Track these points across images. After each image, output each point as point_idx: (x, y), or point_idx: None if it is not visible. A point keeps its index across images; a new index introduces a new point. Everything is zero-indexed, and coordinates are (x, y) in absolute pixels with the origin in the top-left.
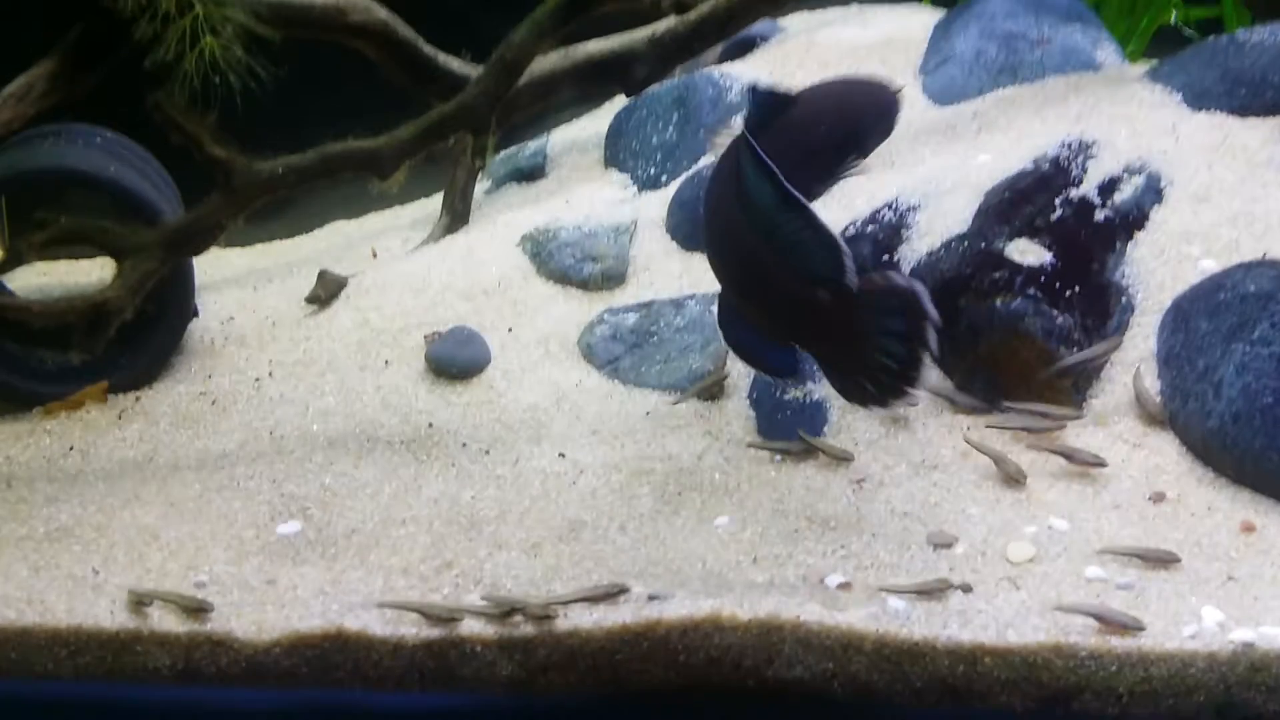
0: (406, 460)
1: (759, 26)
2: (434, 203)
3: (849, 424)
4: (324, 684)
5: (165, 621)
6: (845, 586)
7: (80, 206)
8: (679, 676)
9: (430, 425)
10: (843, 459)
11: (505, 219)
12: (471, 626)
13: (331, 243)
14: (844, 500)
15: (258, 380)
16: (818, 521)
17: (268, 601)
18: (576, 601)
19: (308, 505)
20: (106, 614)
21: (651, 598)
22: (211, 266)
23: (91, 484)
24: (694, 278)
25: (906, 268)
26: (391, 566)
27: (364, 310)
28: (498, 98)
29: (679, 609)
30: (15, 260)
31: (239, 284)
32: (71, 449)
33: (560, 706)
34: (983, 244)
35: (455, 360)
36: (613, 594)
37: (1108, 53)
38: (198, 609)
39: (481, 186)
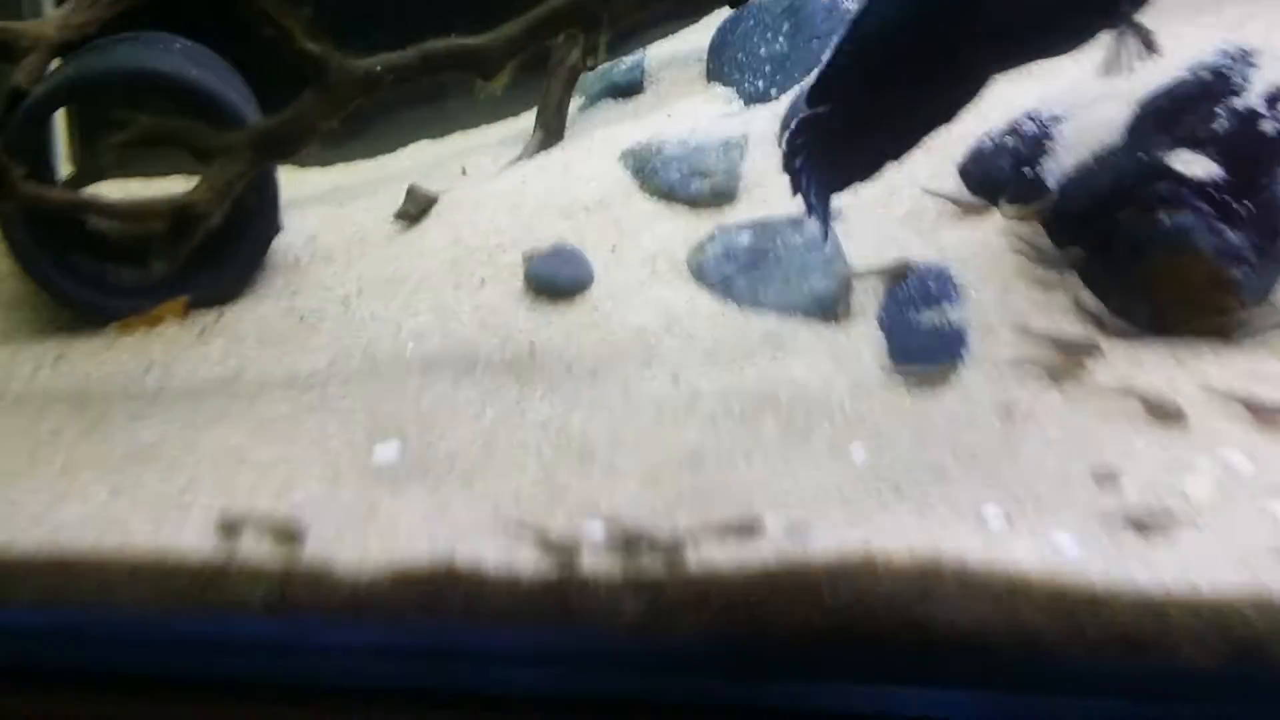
0: (508, 383)
1: None
2: (522, 122)
3: (993, 349)
4: (431, 621)
5: (259, 549)
6: (1005, 523)
7: (160, 113)
8: (822, 620)
9: (532, 346)
10: None
11: (603, 135)
12: (594, 561)
13: (417, 161)
14: (992, 431)
15: (346, 298)
16: (964, 453)
17: (370, 530)
18: (709, 536)
19: (405, 427)
20: (195, 539)
21: (791, 533)
22: (291, 184)
23: (174, 402)
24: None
25: (1051, 182)
26: (500, 494)
27: (457, 227)
28: None
29: (824, 545)
30: (95, 172)
31: (322, 201)
32: (151, 366)
33: (687, 651)
34: (1142, 155)
35: (557, 279)
36: (748, 528)
37: None
38: (293, 535)
39: (575, 104)
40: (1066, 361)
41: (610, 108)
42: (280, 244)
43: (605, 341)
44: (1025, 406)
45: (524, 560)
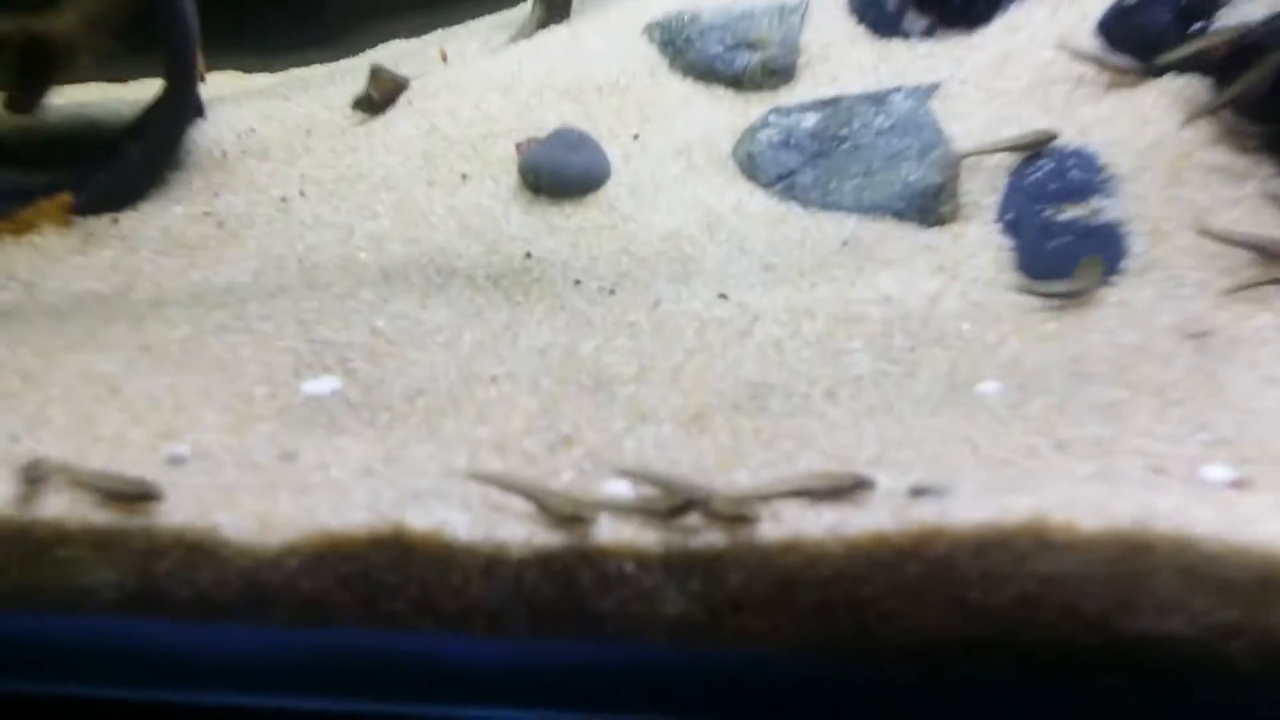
0: (495, 300)
1: None
2: (516, 13)
3: (1164, 256)
4: (371, 620)
5: (101, 514)
6: (1239, 486)
7: None
8: (969, 624)
9: (528, 256)
10: None
11: (624, 8)
12: (616, 531)
13: (388, 54)
14: (1182, 361)
15: (284, 200)
16: (1148, 390)
17: (281, 485)
18: (788, 499)
19: (350, 357)
20: (12, 500)
21: (917, 493)
22: (232, 86)
23: (31, 321)
24: (894, 69)
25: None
26: (479, 440)
27: (432, 115)
28: None
29: (968, 514)
30: None
31: (265, 95)
32: (11, 279)
33: (757, 667)
34: None
35: (562, 170)
36: (847, 487)
37: None
38: (137, 495)
39: None
40: (1270, 271)
41: None
42: (204, 139)
43: (627, 251)
44: (1226, 329)
45: (512, 531)
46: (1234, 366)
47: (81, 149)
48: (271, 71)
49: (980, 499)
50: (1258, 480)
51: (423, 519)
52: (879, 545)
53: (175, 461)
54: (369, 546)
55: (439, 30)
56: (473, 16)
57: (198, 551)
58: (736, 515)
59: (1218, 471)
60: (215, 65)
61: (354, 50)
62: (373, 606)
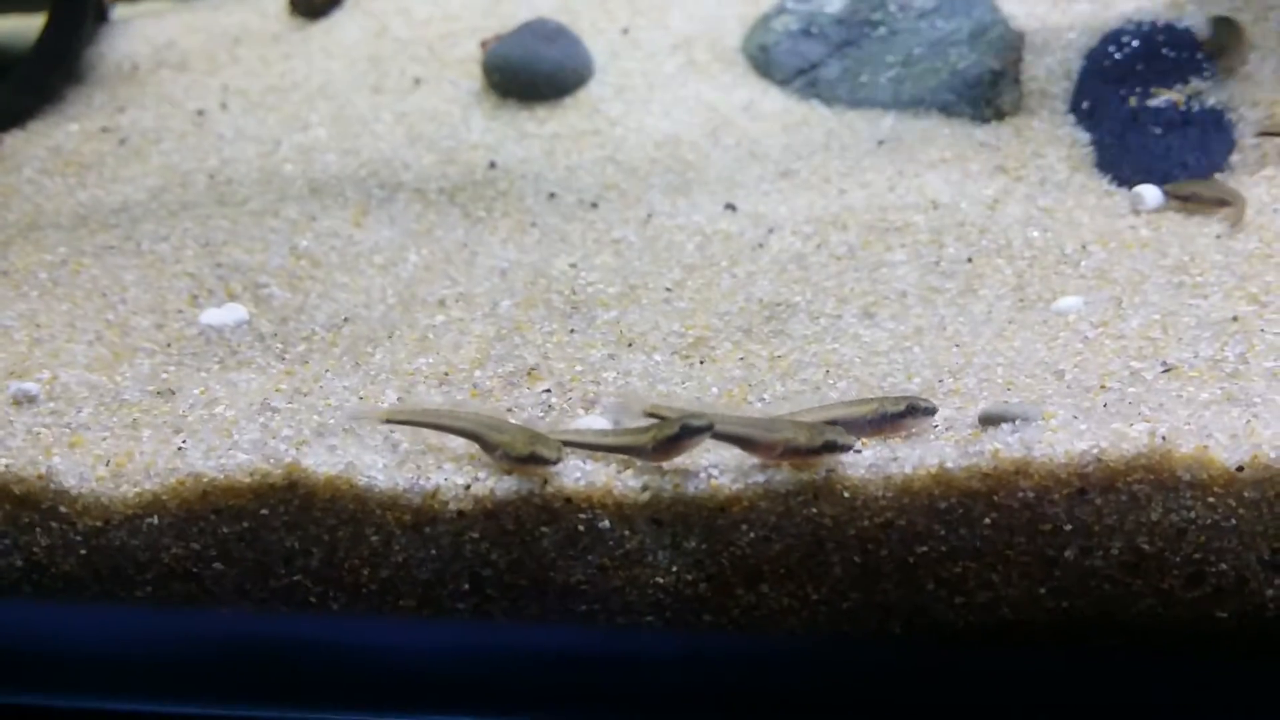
0: (449, 216)
1: None
2: None
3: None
4: (257, 595)
5: None
6: None
7: None
8: (1062, 594)
9: (492, 166)
10: None
11: None
12: (588, 476)
13: None
14: None
15: (201, 113)
16: (1277, 303)
17: (147, 425)
18: (827, 424)
19: (264, 282)
20: None
21: (989, 421)
22: (154, 11)
23: None
24: None
25: None
26: (416, 372)
27: (381, 16)
28: None
29: (1068, 443)
30: None
31: (193, 7)
32: None
33: (780, 660)
34: None
35: (534, 65)
36: (899, 414)
37: None
38: None
39: None
40: None
41: None
42: (113, 52)
43: (612, 159)
44: None
45: (448, 477)
46: None
47: None
48: None
49: (1075, 428)
50: None
51: (326, 461)
52: (940, 487)
53: (20, 400)
54: (254, 498)
55: None
56: None
57: (27, 508)
58: (810, 444)
59: None
60: None
61: None
62: (262, 579)
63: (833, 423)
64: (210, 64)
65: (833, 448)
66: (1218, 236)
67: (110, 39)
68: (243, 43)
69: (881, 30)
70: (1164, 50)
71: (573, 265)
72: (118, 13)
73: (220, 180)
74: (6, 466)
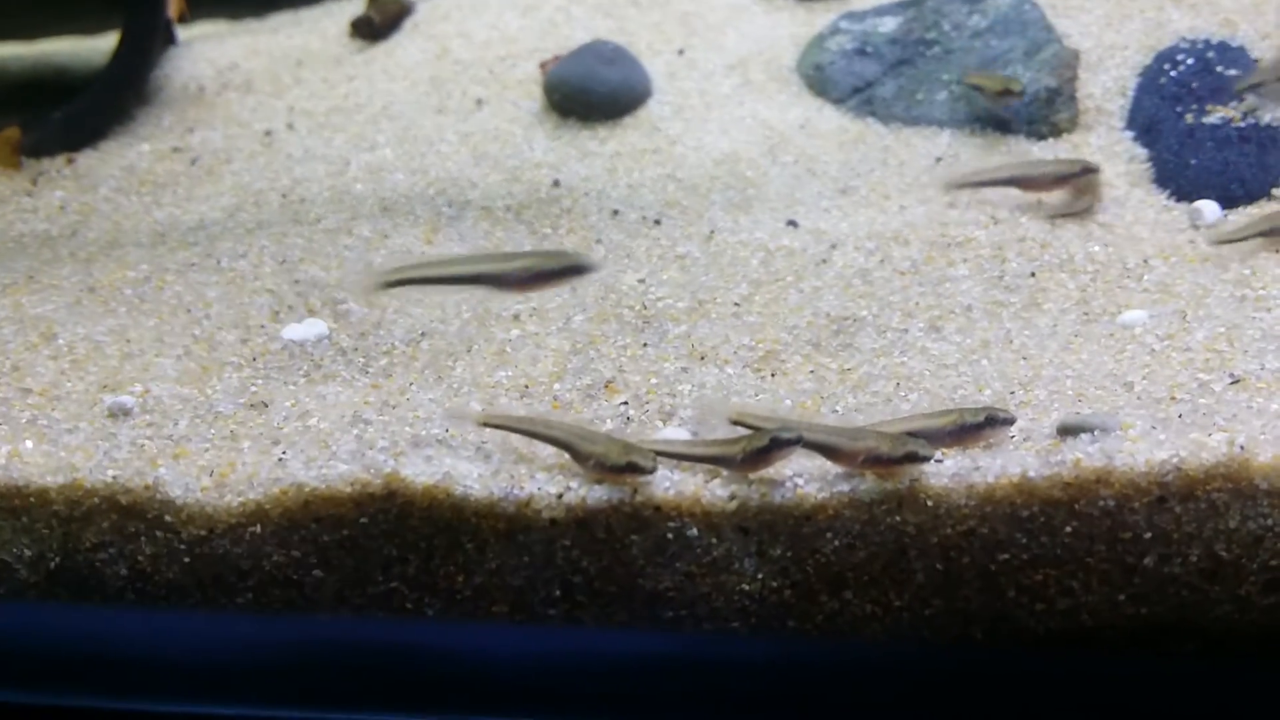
0: (516, 233)
1: None
2: None
3: None
4: (355, 601)
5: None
6: None
7: None
8: (1142, 601)
9: (556, 184)
10: None
11: None
12: (677, 485)
13: None
14: None
15: (269, 134)
16: None
17: (246, 437)
18: (904, 434)
19: (341, 298)
20: None
21: (1067, 432)
22: (219, 29)
23: None
24: None
25: None
26: (497, 385)
27: (442, 38)
28: None
29: (1148, 452)
30: None
31: (253, 31)
32: None
33: (864, 665)
34: None
35: (594, 87)
36: (978, 424)
37: None
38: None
39: None
40: None
41: None
42: (180, 74)
43: (673, 176)
44: None
45: (541, 486)
46: None
47: (45, 94)
48: (263, 16)
49: (1154, 438)
50: None
51: (424, 471)
52: (1022, 496)
53: (117, 413)
54: (355, 507)
55: None
56: None
57: (133, 517)
58: (899, 456)
59: None
60: (205, 16)
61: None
62: (362, 585)
63: (914, 434)
64: (274, 85)
65: (914, 458)
66: (1277, 250)
67: (175, 61)
68: (305, 65)
69: (936, 49)
70: (1218, 68)
71: (641, 281)
72: (180, 35)
73: (293, 199)
74: (114, 477)
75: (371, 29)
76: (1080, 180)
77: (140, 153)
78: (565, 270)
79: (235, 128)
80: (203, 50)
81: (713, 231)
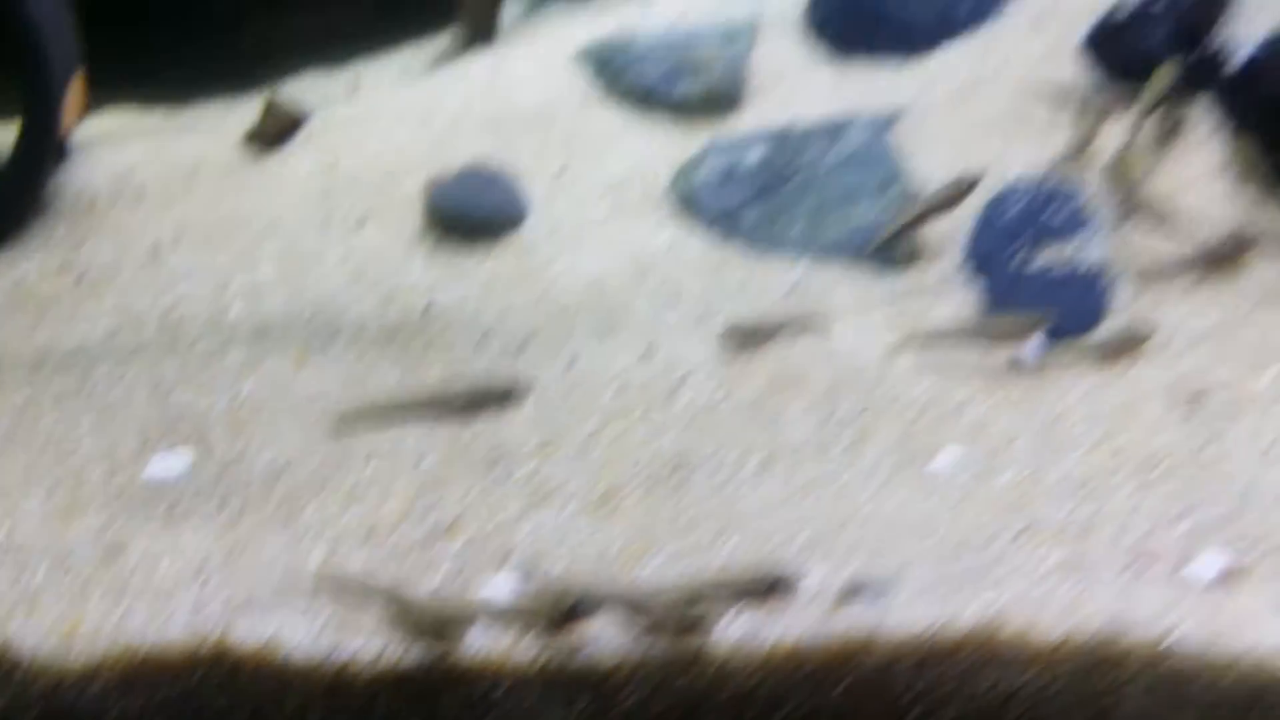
0: (385, 359)
1: None
2: (441, 46)
3: (1156, 304)
4: None
5: None
6: (1230, 579)
7: None
8: None
9: (429, 307)
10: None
11: (554, 32)
12: (490, 643)
13: (301, 87)
14: (1173, 429)
15: (155, 247)
16: (1132, 463)
17: (97, 587)
18: (708, 598)
19: (208, 427)
20: None
21: (850, 592)
22: (120, 126)
23: None
24: (856, 93)
25: (1241, 56)
26: (345, 528)
27: (333, 151)
28: None
29: (910, 615)
30: None
31: (153, 133)
32: None
33: None
34: None
35: (472, 210)
36: (764, 588)
37: None
38: None
39: (515, 9)
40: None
41: (561, 9)
42: (75, 181)
43: (544, 299)
44: (1223, 391)
45: (362, 645)
46: (1233, 435)
47: None
48: (177, 107)
49: (925, 599)
50: (1253, 572)
51: (252, 632)
52: (798, 658)
53: None
54: (187, 667)
55: (360, 62)
56: (399, 44)
57: None
58: (686, 622)
59: (1208, 561)
60: (116, 100)
61: (269, 85)
62: None
63: (707, 592)
64: (166, 195)
65: (690, 624)
66: (1087, 392)
67: (73, 166)
68: (198, 173)
69: (797, 180)
70: (1050, 209)
71: (497, 414)
72: (82, 133)
73: (171, 321)
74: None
75: (265, 138)
76: None
77: (28, 269)
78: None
79: (124, 241)
80: (101, 154)
81: (573, 360)
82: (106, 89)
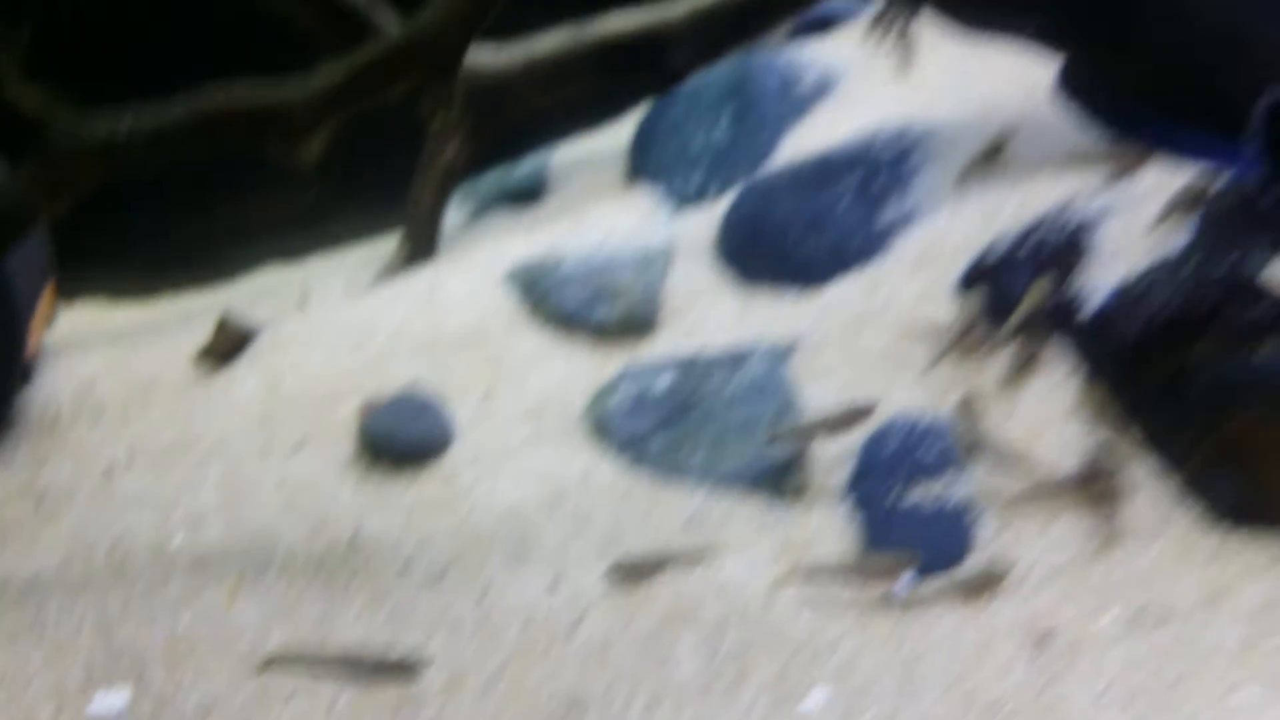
0: (312, 591)
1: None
2: (394, 241)
3: (1014, 540)
4: None
5: None
6: None
7: None
8: None
9: (355, 537)
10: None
11: (489, 249)
12: None
13: (256, 290)
14: (1020, 670)
15: (110, 469)
16: (980, 705)
17: None
18: None
19: (147, 663)
20: None
21: None
22: (89, 323)
23: None
24: (759, 322)
25: (1092, 304)
26: None
27: (276, 371)
28: (472, 21)
29: None
30: None
31: (115, 340)
32: None
33: None
34: (1222, 266)
35: (400, 439)
36: None
37: None
38: None
39: (461, 210)
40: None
41: (502, 217)
42: (41, 396)
43: (462, 528)
44: (1070, 633)
45: None
46: (1071, 677)
47: None
48: (144, 297)
49: None
50: None
51: None
52: None
53: None
54: None
55: (315, 256)
56: (355, 235)
57: None
58: None
59: None
60: (83, 290)
61: (230, 272)
62: None
63: None
64: (123, 413)
65: None
66: (947, 631)
67: (41, 377)
68: (154, 390)
69: (701, 409)
70: (924, 446)
71: (412, 648)
72: (50, 338)
73: (119, 552)
74: None
75: (216, 357)
76: None
77: None
78: None
79: (82, 462)
80: (67, 364)
81: (486, 589)
82: (76, 279)
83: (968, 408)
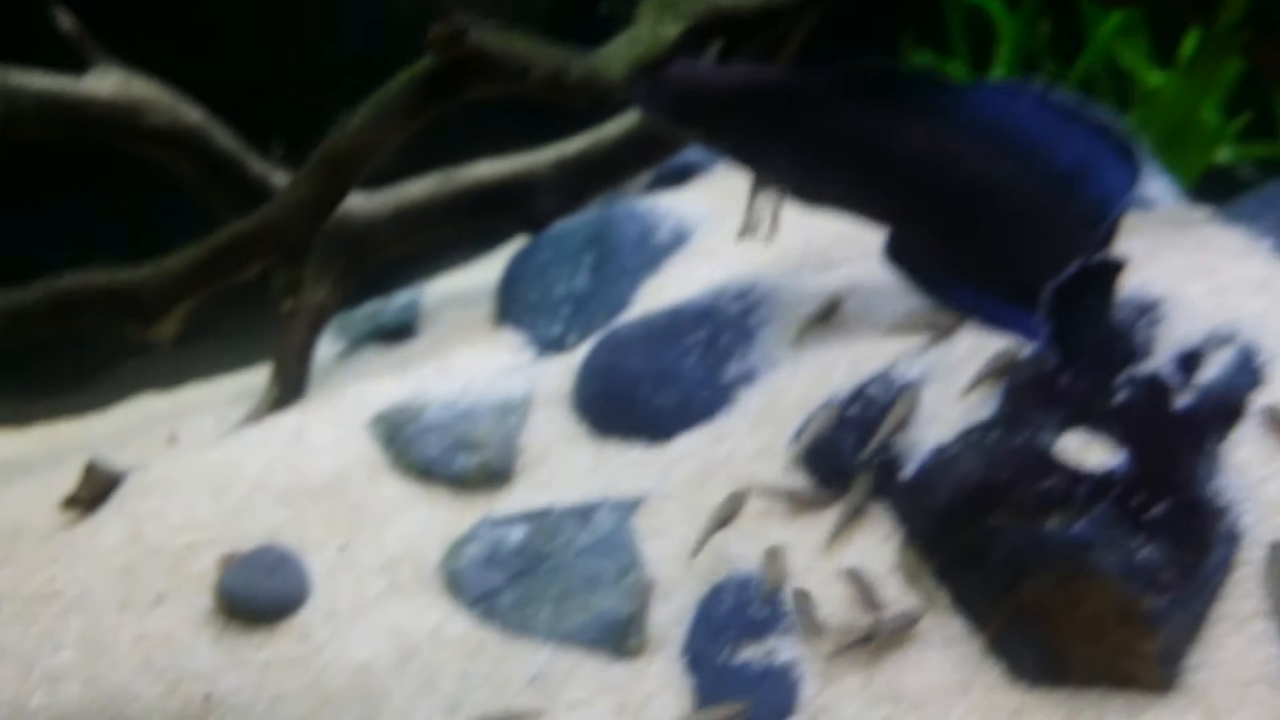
0: None
1: (700, 151)
2: (267, 371)
3: (834, 701)
4: None
5: None
6: None
7: None
8: None
9: (208, 696)
10: None
11: (355, 392)
12: None
13: (128, 423)
14: None
15: None
16: None
17: None
18: None
19: None
20: None
21: None
22: None
23: None
24: (610, 474)
25: (911, 466)
26: None
27: (139, 519)
28: (320, 210)
29: None
30: None
31: None
32: None
33: None
34: (1021, 437)
35: (256, 595)
36: None
37: (1160, 188)
38: None
39: (333, 348)
40: None
41: (373, 356)
42: None
43: (314, 687)
44: None
45: None
46: None
47: None
48: (22, 421)
49: None
50: None
51: None
52: None
53: None
54: None
55: (190, 385)
56: (227, 370)
57: None
58: None
59: None
60: None
61: (109, 394)
62: None
63: None
64: None
65: None
66: None
67: None
68: (21, 536)
69: (550, 563)
70: (753, 606)
71: None
72: None
73: None
74: None
75: (82, 503)
76: None
77: None
78: None
79: None
80: None
81: None
82: None
83: (773, 559)
